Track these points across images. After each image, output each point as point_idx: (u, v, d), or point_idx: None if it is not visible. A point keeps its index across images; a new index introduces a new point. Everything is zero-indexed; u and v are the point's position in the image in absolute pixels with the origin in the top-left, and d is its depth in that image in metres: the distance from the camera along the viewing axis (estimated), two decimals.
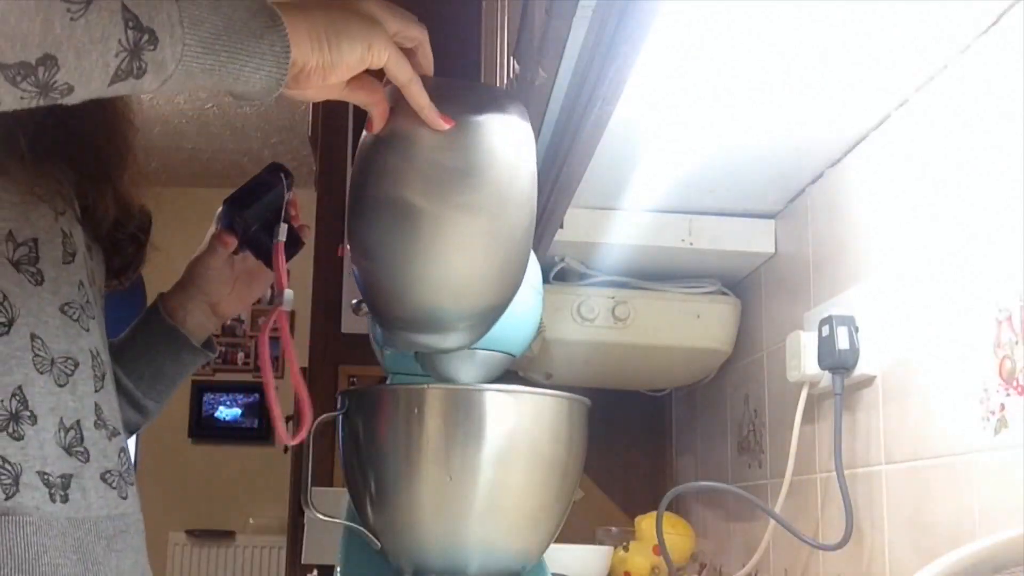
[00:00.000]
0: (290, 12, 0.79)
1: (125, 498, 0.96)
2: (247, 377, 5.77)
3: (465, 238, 0.86)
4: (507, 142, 0.88)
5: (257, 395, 5.73)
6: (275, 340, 1.00)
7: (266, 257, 1.04)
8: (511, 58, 1.25)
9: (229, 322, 6.06)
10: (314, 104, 3.16)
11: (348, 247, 0.91)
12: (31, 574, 0.82)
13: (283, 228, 1.03)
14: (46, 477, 0.86)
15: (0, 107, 0.69)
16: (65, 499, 0.87)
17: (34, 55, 0.66)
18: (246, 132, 5.14)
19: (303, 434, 0.95)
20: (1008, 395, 0.94)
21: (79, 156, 0.97)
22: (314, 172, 3.23)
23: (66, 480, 0.87)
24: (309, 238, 1.10)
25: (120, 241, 1.07)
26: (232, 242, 1.07)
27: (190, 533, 5.47)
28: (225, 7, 0.75)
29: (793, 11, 0.99)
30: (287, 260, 1.05)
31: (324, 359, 2.93)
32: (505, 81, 1.38)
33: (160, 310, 1.13)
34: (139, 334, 1.13)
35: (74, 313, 0.93)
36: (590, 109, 1.00)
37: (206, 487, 5.47)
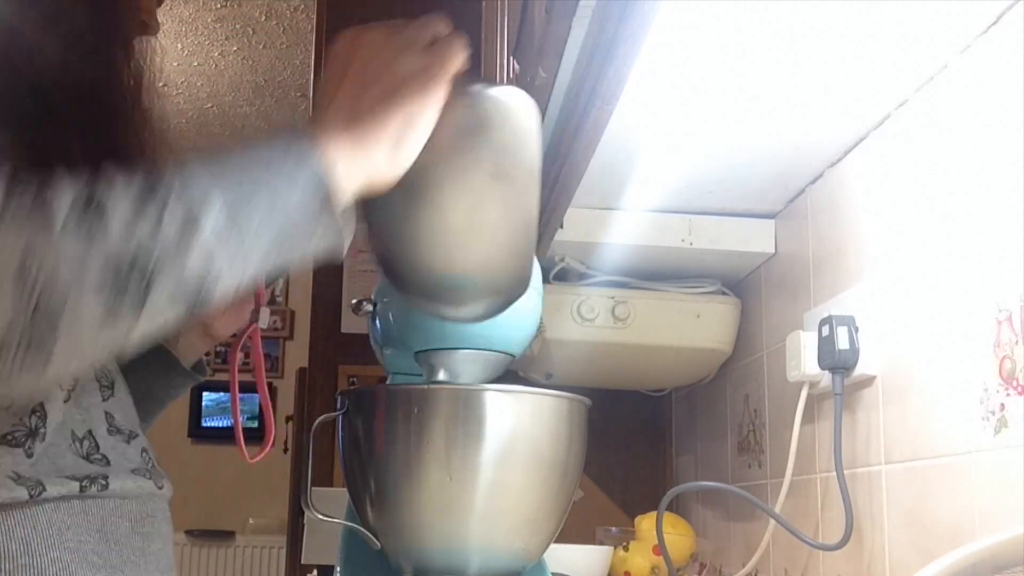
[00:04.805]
0: (343, 148, 0.76)
1: (161, 488, 0.96)
2: (247, 377, 5.75)
3: (479, 195, 0.85)
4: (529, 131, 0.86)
5: (257, 396, 5.73)
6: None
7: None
8: (511, 58, 1.25)
9: None
10: (314, 104, 3.16)
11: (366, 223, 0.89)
12: (59, 548, 0.83)
13: None
14: (66, 481, 0.86)
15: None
16: (83, 490, 0.87)
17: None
18: (246, 132, 5.14)
19: (267, 450, 0.95)
20: (1008, 395, 0.94)
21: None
22: None
23: (91, 479, 0.88)
24: None
25: None
26: None
27: (190, 533, 5.48)
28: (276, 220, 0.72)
29: (793, 11, 0.99)
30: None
31: (324, 359, 2.93)
32: (505, 81, 1.38)
33: None
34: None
35: None
36: (590, 109, 1.00)
37: (206, 487, 5.47)
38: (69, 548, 0.84)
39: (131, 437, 0.96)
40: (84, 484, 0.86)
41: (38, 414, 0.85)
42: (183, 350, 1.12)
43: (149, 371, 1.12)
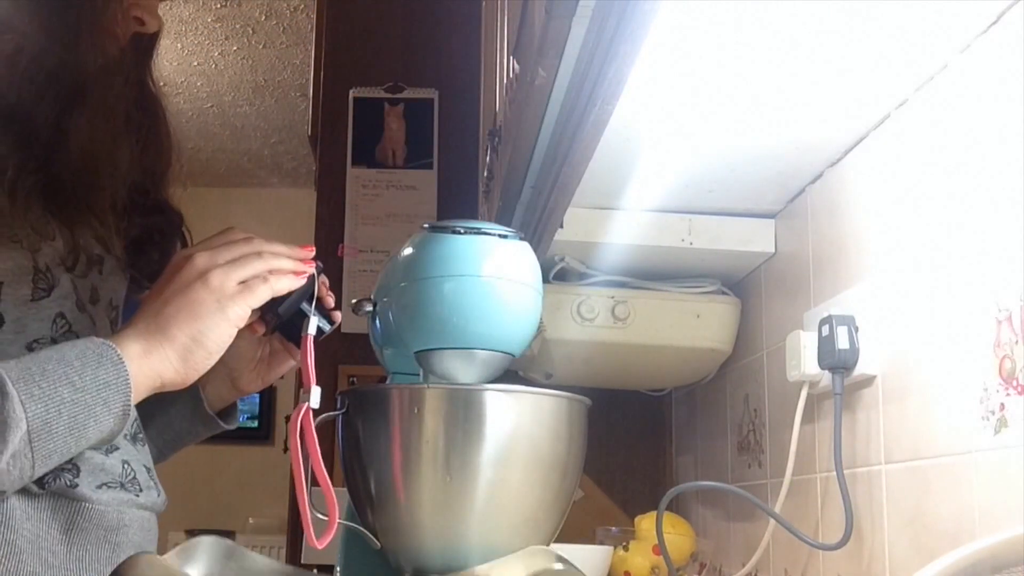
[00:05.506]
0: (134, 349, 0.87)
1: (139, 496, 0.95)
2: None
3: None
4: None
5: (257, 395, 5.73)
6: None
7: (299, 342, 1.02)
8: (511, 58, 1.25)
9: None
10: (314, 104, 3.17)
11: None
12: (14, 532, 0.84)
13: (313, 322, 1.02)
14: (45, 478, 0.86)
15: None
16: (50, 484, 0.87)
17: None
18: (246, 132, 5.13)
19: (330, 536, 0.93)
20: (1008, 395, 0.94)
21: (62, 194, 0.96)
22: (314, 172, 3.23)
23: (54, 475, 0.87)
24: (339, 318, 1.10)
25: (161, 242, 1.07)
26: (262, 329, 1.04)
27: (190, 533, 5.46)
28: (64, 401, 0.82)
29: (793, 11, 0.99)
30: (318, 339, 1.03)
31: (324, 359, 2.92)
32: (505, 81, 1.38)
33: None
34: None
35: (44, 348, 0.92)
36: (590, 109, 1.00)
37: (206, 487, 5.47)
38: (25, 536, 0.84)
39: (111, 450, 0.95)
40: (47, 480, 0.86)
41: None
42: (211, 398, 1.12)
43: (175, 402, 1.10)
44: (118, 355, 0.85)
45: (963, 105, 1.04)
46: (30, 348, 0.91)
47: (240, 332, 0.98)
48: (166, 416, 1.11)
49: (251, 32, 4.23)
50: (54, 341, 0.93)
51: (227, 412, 1.15)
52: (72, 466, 0.89)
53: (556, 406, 1.00)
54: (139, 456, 0.99)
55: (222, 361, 1.05)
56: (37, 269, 0.93)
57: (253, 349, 1.10)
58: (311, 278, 1.03)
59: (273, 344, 1.11)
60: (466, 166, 2.74)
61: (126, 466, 0.96)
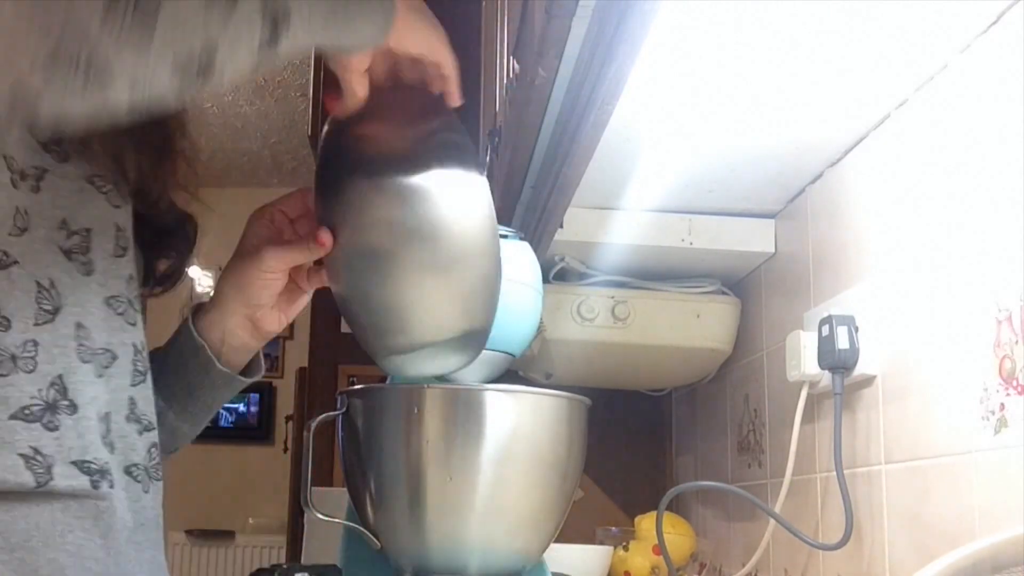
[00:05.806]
0: None
1: (147, 492, 0.95)
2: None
3: (430, 290, 0.93)
4: (462, 206, 0.92)
5: (258, 395, 5.73)
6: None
7: None
8: (511, 58, 1.25)
9: None
10: (314, 104, 3.17)
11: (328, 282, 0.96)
12: (57, 549, 0.82)
13: None
14: (87, 465, 0.85)
15: (163, 100, 0.73)
16: (96, 486, 0.86)
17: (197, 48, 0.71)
18: (246, 132, 5.14)
19: None
20: (1008, 395, 0.94)
21: (145, 143, 0.93)
22: (314, 172, 3.24)
23: (105, 468, 0.87)
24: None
25: (169, 244, 1.05)
26: (329, 241, 0.98)
27: (189, 533, 5.48)
28: None
29: (793, 11, 0.99)
30: None
31: (324, 359, 2.93)
32: (505, 81, 1.38)
33: (191, 325, 1.04)
34: (171, 349, 1.05)
35: (120, 307, 0.91)
36: (590, 109, 1.00)
37: (206, 487, 5.47)
38: (68, 551, 0.83)
39: (146, 429, 0.94)
40: (95, 479, 0.85)
41: (56, 387, 0.83)
42: (230, 352, 1.04)
43: (190, 369, 1.06)
44: None
45: (963, 105, 1.04)
46: (108, 304, 0.90)
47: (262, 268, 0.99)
48: (184, 383, 1.07)
49: None
50: (128, 303, 0.92)
51: (250, 365, 1.11)
52: (110, 442, 0.88)
53: (556, 406, 1.00)
54: (159, 443, 0.98)
55: (246, 301, 1.02)
56: (117, 226, 0.92)
57: (284, 277, 1.03)
58: None
59: (288, 280, 1.04)
60: None
61: (153, 450, 0.95)
